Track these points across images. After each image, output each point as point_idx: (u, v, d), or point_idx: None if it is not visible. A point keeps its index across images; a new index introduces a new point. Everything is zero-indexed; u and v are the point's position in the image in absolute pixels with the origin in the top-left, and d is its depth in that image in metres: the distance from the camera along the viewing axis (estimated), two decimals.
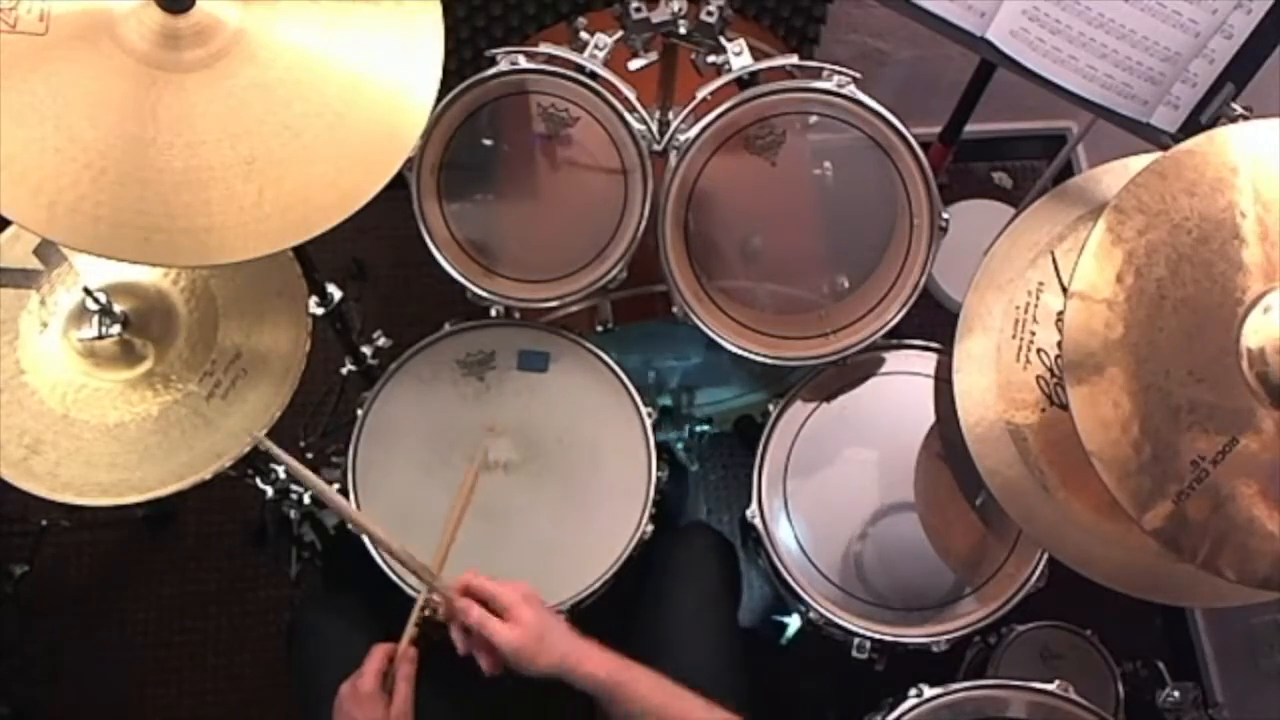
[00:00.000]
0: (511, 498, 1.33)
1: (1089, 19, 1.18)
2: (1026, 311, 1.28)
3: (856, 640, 1.35)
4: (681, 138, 1.23)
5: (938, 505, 1.41)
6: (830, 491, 1.41)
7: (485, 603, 1.05)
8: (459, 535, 1.15)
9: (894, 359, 1.46)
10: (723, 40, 1.21)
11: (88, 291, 1.20)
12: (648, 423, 1.36)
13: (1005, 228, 1.32)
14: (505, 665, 1.04)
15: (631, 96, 1.24)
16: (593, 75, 1.22)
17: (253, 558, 1.99)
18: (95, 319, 1.21)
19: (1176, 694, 1.61)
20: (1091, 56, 1.20)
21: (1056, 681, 1.20)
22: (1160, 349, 1.01)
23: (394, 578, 1.26)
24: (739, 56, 1.22)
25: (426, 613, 1.08)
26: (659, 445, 1.37)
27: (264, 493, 1.51)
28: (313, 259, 1.28)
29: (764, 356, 1.35)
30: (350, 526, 1.19)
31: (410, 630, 1.07)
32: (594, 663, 1.04)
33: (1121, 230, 1.02)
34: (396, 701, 1.02)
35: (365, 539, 1.25)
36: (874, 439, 1.44)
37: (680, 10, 1.18)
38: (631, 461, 1.35)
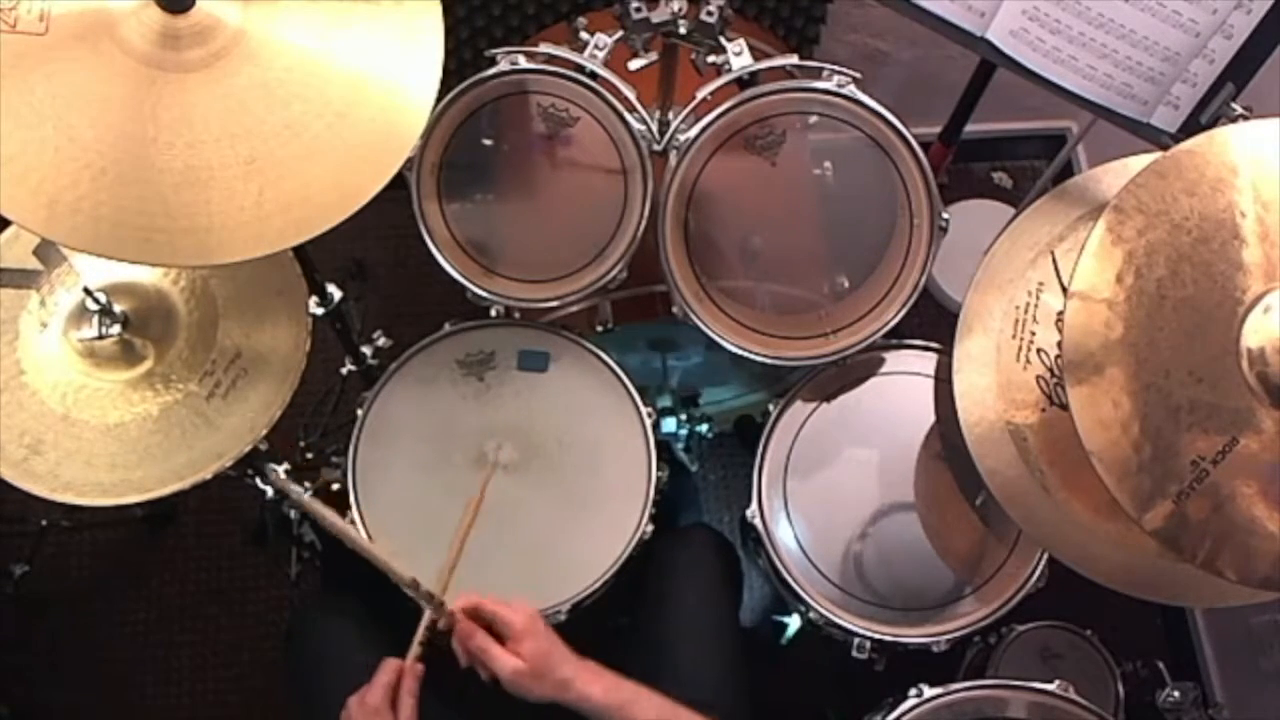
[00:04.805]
0: (512, 498, 1.33)
1: (1089, 19, 1.18)
2: (1026, 311, 1.28)
3: (856, 640, 1.35)
4: (681, 138, 1.23)
5: (938, 505, 1.41)
6: (830, 491, 1.41)
7: (490, 624, 1.05)
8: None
9: (894, 359, 1.46)
10: (723, 40, 1.21)
11: (88, 291, 1.20)
12: (648, 423, 1.36)
13: (1005, 228, 1.32)
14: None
15: (631, 96, 1.24)
16: (593, 75, 1.22)
17: (253, 558, 1.99)
18: (95, 319, 1.21)
19: (1176, 694, 1.61)
20: (1091, 56, 1.20)
21: (1056, 681, 1.20)
22: (1160, 349, 1.01)
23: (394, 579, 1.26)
24: (739, 56, 1.22)
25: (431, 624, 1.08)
26: (659, 445, 1.36)
27: (264, 493, 1.51)
28: (313, 259, 1.28)
29: (764, 356, 1.35)
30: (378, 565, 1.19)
31: (415, 648, 1.06)
32: (592, 686, 1.04)
33: (1121, 230, 1.02)
34: (402, 715, 1.02)
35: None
36: (874, 439, 1.43)
37: (680, 10, 1.18)
38: (631, 461, 1.35)
